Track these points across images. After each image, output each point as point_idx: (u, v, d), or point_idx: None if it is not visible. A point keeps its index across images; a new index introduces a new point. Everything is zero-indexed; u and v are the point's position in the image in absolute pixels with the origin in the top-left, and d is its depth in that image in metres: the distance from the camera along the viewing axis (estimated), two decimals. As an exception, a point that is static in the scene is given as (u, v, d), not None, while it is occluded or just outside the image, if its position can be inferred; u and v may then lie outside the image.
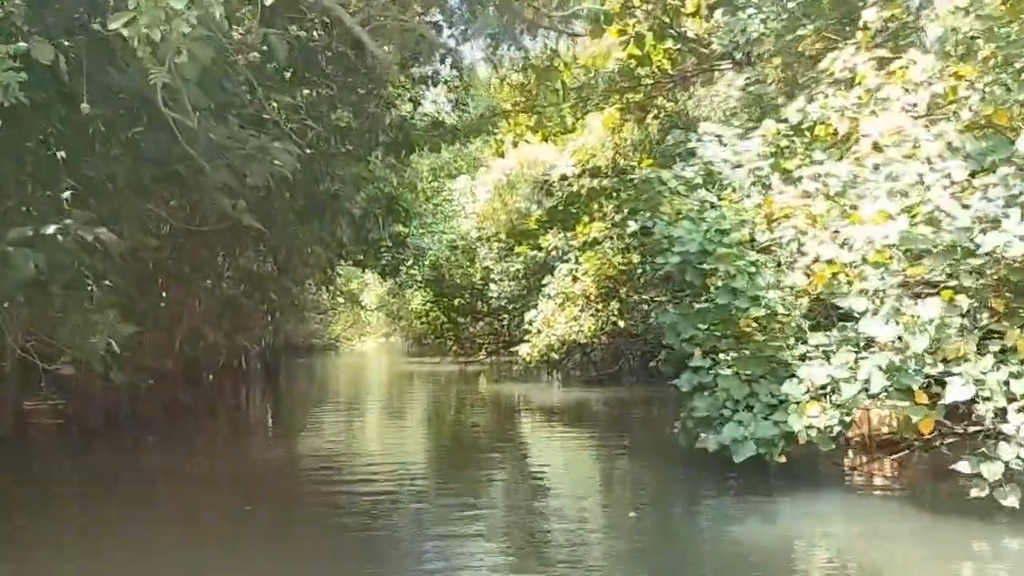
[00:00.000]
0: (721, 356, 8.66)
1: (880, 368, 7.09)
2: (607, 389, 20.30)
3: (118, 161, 7.41)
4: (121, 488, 9.10)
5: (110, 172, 7.23)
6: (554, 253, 21.53)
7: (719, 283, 8.43)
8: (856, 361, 7.37)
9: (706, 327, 8.90)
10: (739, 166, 9.25)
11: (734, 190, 9.49)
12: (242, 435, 14.69)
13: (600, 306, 20.40)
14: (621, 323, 19.72)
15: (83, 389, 13.74)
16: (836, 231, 7.94)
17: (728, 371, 8.31)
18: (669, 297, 12.54)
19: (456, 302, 26.54)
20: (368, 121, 15.05)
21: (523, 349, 20.57)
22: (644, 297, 20.63)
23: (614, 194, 15.52)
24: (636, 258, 20.13)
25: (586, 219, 17.18)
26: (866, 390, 7.19)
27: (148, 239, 9.49)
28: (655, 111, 17.72)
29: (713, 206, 9.53)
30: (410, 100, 13.64)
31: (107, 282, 12.02)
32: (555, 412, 16.83)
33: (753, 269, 8.22)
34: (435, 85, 14.54)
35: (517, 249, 15.36)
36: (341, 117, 15.01)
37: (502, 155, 17.28)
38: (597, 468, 10.83)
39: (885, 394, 7.17)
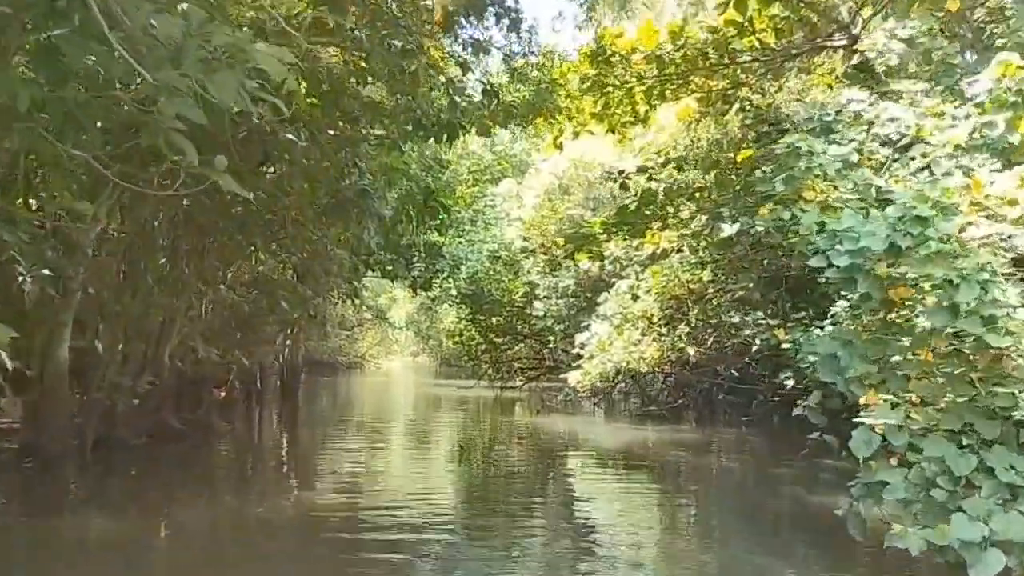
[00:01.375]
0: (912, 406, 5.81)
1: None
2: (669, 428, 17.40)
3: (23, 82, 4.82)
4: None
5: (11, 93, 4.63)
6: (611, 268, 18.76)
7: (927, 296, 5.60)
8: None
9: (881, 359, 6.07)
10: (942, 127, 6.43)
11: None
12: (237, 473, 12.01)
13: (664, 330, 17.57)
14: (690, 351, 16.85)
15: (47, 410, 11.17)
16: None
17: (937, 432, 5.47)
18: (808, 317, 9.74)
19: (494, 321, 23.81)
20: (406, 96, 12.42)
21: (573, 376, 17.77)
22: (713, 321, 17.79)
23: (698, 193, 12.74)
24: (707, 275, 17.39)
25: (656, 225, 14.41)
26: None
27: (83, 205, 6.83)
28: (741, 103, 14.92)
29: (879, 192, 6.74)
30: (458, 65, 11.00)
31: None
32: (614, 455, 13.97)
33: (986, 276, 5.37)
34: (486, 53, 11.93)
35: (577, 256, 12.80)
36: (372, 92, 12.40)
37: (559, 147, 14.57)
38: (694, 551, 7.98)
39: None
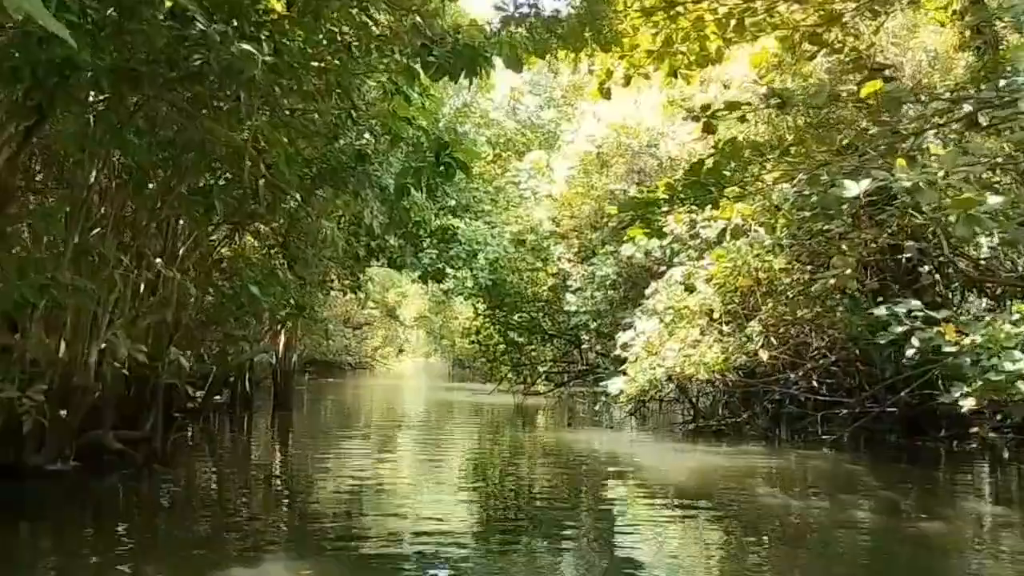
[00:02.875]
0: None
1: None
2: (732, 448, 14.23)
3: None
4: None
5: None
6: (661, 253, 15.61)
7: None
8: None
9: None
10: None
11: None
12: (171, 526, 8.80)
13: (727, 328, 14.41)
14: (763, 355, 13.67)
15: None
16: None
17: None
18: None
19: (516, 317, 20.68)
20: (411, 12, 9.46)
21: (614, 384, 14.64)
22: (788, 318, 14.61)
23: (793, 148, 9.56)
24: (779, 262, 14.24)
25: (732, 192, 11.18)
26: None
27: None
28: (832, 44, 11.70)
29: None
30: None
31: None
32: (668, 485, 10.79)
33: None
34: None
35: (630, 232, 9.80)
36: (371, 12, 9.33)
37: (606, 95, 11.41)
38: None
39: None
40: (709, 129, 8.73)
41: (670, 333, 14.61)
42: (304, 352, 35.42)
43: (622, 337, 15.29)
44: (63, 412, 9.66)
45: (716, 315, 14.49)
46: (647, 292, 15.22)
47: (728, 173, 9.98)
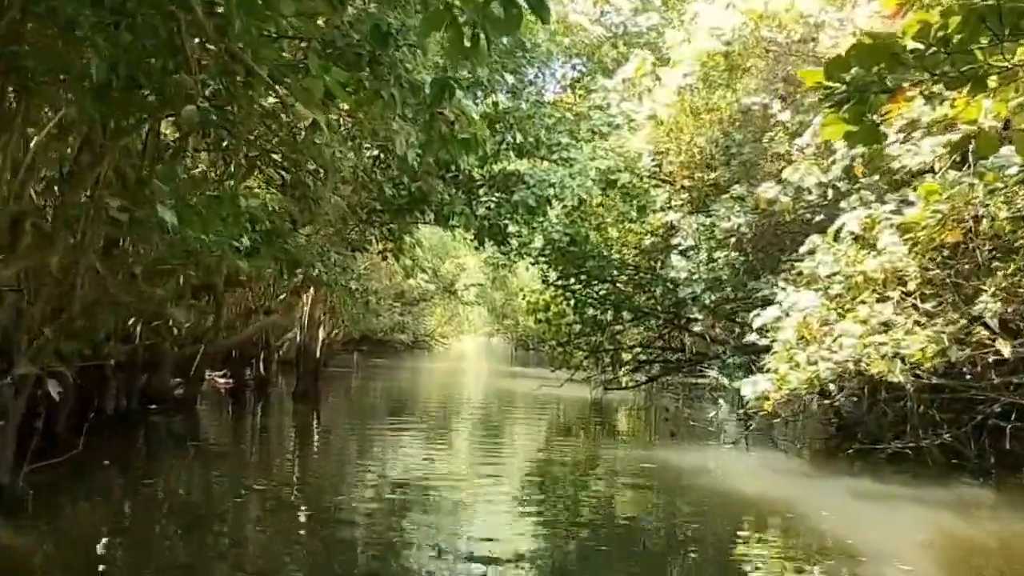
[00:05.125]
0: None
1: None
2: (950, 495, 9.33)
3: None
4: None
5: None
6: (819, 195, 10.68)
7: None
8: None
9: None
10: None
11: None
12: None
13: (930, 305, 9.47)
14: (1006, 349, 8.66)
15: None
16: None
17: None
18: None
19: (599, 289, 15.90)
20: None
21: (753, 384, 9.79)
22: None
23: None
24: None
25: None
26: None
27: None
28: None
29: None
30: None
31: None
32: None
33: None
34: None
35: (824, 122, 5.67)
36: None
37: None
38: None
39: None
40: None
41: (841, 312, 9.70)
42: (343, 330, 31.35)
43: (760, 317, 10.40)
44: None
45: (912, 286, 9.52)
46: (802, 250, 10.29)
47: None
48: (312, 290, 17.32)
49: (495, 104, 15.26)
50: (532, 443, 13.38)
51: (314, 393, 17.49)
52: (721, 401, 12.23)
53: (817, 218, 11.17)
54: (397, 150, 9.90)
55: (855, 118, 5.17)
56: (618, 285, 15.51)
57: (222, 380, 18.15)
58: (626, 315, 16.13)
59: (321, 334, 20.21)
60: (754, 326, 10.69)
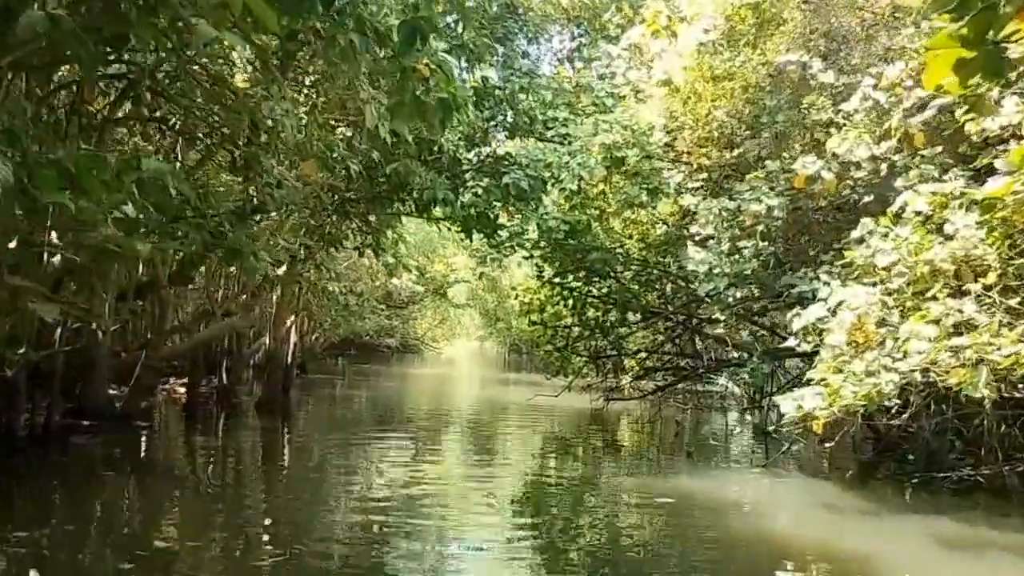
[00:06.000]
0: None
1: None
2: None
3: None
4: None
5: None
6: (869, 170, 8.88)
7: None
8: None
9: None
10: None
11: None
12: None
13: (1020, 302, 7.69)
14: None
15: None
16: None
17: None
18: None
19: (599, 286, 14.02)
20: None
21: (806, 398, 7.93)
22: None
23: None
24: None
25: None
26: None
27: None
28: None
29: None
30: None
31: None
32: None
33: None
34: None
35: (930, 44, 4.28)
36: None
37: None
38: None
39: None
40: None
41: (904, 311, 7.92)
42: (323, 334, 29.39)
43: (801, 316, 8.58)
44: None
45: (993, 277, 7.73)
46: (854, 235, 8.49)
47: None
48: (280, 290, 15.46)
49: (484, 79, 13.52)
50: (525, 467, 11.52)
51: (282, 405, 15.60)
52: (788, 420, 10.29)
53: (865, 199, 9.37)
54: (367, 123, 8.14)
55: (977, 34, 3.30)
56: (622, 282, 13.64)
57: (183, 390, 16.24)
58: (631, 316, 14.26)
59: (293, 338, 18.35)
60: (793, 328, 8.88)
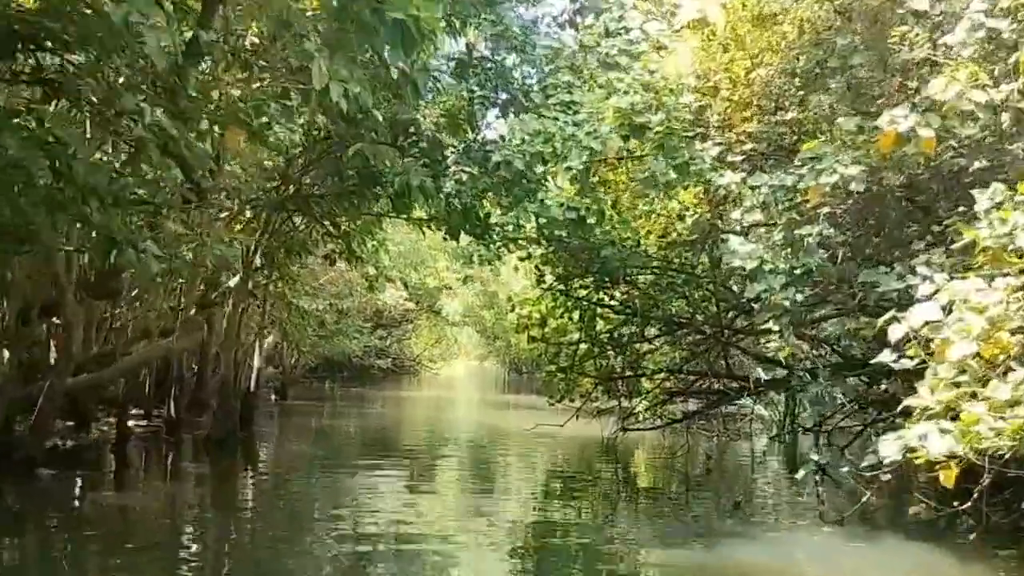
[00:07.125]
0: None
1: None
2: None
3: None
4: None
5: None
6: (976, 132, 6.51)
7: None
8: None
9: None
10: None
11: None
12: None
13: None
14: None
15: None
16: None
17: None
18: None
19: (611, 293, 11.59)
20: None
21: (931, 438, 5.46)
22: None
23: None
24: None
25: None
26: None
27: None
28: None
29: None
30: None
31: None
32: None
33: None
34: None
35: None
36: None
37: None
38: None
39: None
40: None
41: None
42: (302, 357, 26.85)
43: (904, 319, 6.14)
44: None
45: None
46: (979, 207, 6.08)
47: None
48: (231, 304, 13.04)
49: (469, 48, 11.19)
50: (525, 525, 9.03)
51: (235, 440, 13.10)
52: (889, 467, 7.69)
53: (975, 164, 6.99)
54: (315, 82, 5.87)
55: None
56: (640, 287, 11.20)
57: (132, 423, 13.72)
58: (658, 327, 11.79)
59: (256, 361, 15.90)
60: (891, 337, 6.45)
